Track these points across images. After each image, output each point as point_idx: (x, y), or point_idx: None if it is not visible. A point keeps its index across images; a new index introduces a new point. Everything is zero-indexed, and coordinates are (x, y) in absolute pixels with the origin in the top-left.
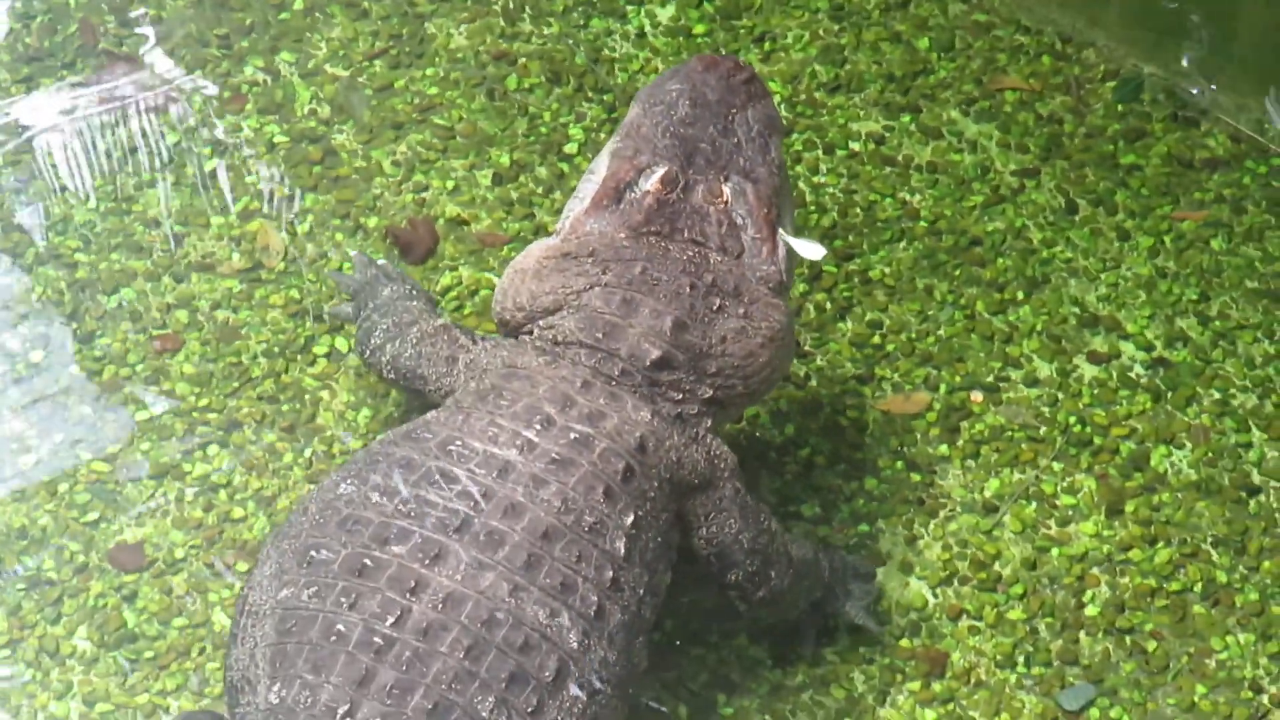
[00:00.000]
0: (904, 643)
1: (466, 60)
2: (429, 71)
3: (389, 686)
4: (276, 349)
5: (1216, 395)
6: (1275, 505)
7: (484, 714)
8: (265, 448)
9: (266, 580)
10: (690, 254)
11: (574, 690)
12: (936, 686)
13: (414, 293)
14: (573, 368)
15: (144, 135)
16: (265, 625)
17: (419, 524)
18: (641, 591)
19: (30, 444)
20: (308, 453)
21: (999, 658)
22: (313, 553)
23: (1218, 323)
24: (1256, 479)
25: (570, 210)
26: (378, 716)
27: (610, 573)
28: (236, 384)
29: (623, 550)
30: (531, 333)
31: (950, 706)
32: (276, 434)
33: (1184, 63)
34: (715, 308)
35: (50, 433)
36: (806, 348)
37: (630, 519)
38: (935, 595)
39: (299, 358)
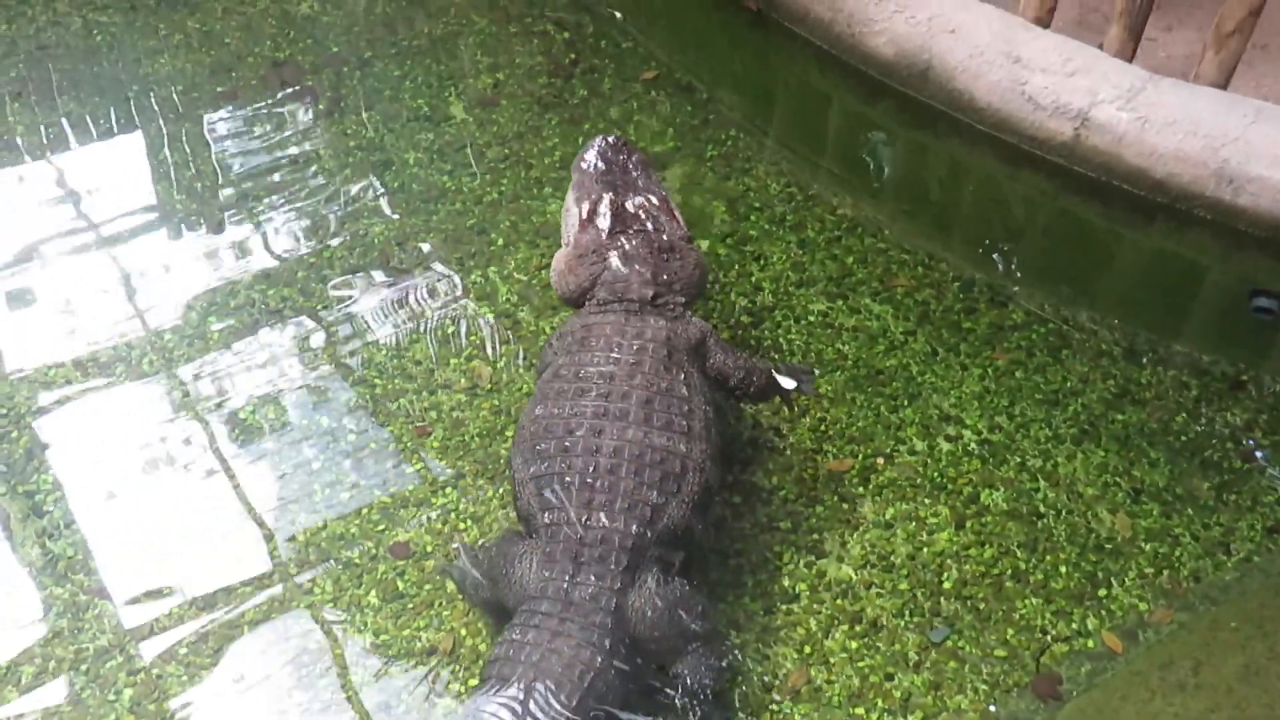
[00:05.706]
0: (839, 603)
1: None
2: None
3: (603, 500)
4: (485, 432)
5: (1018, 460)
6: (1053, 525)
7: (654, 498)
8: (477, 489)
9: (519, 467)
10: (641, 237)
11: (692, 473)
12: (857, 628)
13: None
14: (615, 314)
15: (413, 311)
16: (529, 486)
17: (583, 418)
18: (703, 409)
19: (348, 484)
20: (501, 490)
21: (894, 611)
22: (538, 446)
23: (1018, 418)
24: (1041, 509)
25: (568, 232)
26: (602, 517)
27: (686, 406)
28: (461, 452)
29: (685, 392)
30: (584, 304)
31: (865, 639)
32: (484, 480)
33: (1000, 269)
34: (665, 259)
35: (361, 477)
36: (783, 431)
37: (681, 376)
38: (856, 574)
39: (497, 437)
